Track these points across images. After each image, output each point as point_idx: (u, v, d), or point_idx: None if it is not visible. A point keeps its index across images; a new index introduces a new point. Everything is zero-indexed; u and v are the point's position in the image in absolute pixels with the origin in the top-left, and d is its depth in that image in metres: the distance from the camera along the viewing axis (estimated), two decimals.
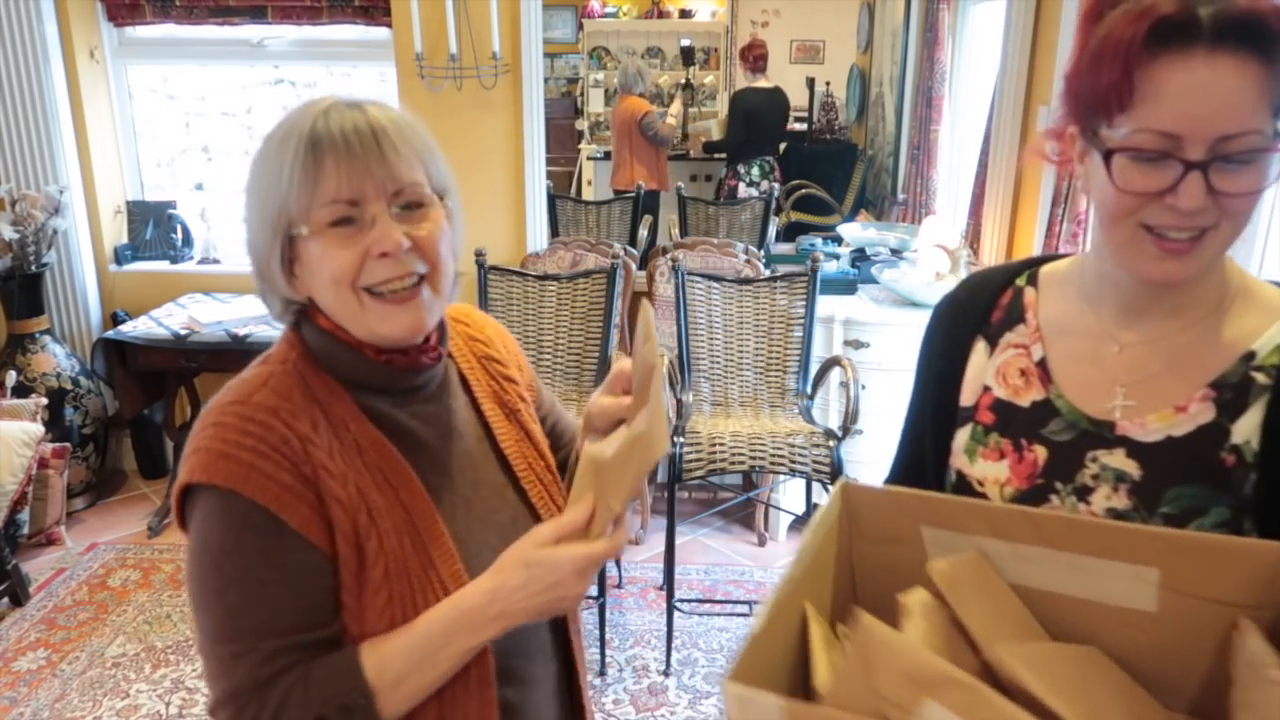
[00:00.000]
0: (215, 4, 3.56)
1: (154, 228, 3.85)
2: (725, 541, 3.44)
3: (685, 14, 7.34)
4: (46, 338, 3.55)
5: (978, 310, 1.02)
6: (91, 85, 3.64)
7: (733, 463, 2.71)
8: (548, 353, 3.09)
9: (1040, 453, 0.94)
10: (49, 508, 3.30)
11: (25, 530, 3.21)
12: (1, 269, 3.39)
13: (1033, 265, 1.03)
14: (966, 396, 1.00)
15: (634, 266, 3.53)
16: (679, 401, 2.89)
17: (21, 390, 3.36)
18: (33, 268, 3.46)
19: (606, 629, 2.79)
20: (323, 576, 0.90)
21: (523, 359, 1.18)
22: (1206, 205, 0.78)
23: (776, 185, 5.24)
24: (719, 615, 3.00)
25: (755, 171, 5.36)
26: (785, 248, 4.27)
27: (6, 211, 3.43)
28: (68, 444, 3.39)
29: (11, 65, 3.44)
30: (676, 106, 6.08)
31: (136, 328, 3.38)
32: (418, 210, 0.92)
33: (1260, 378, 0.84)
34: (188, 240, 3.88)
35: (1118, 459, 0.89)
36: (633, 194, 4.53)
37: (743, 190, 5.29)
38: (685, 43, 7.12)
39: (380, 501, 0.92)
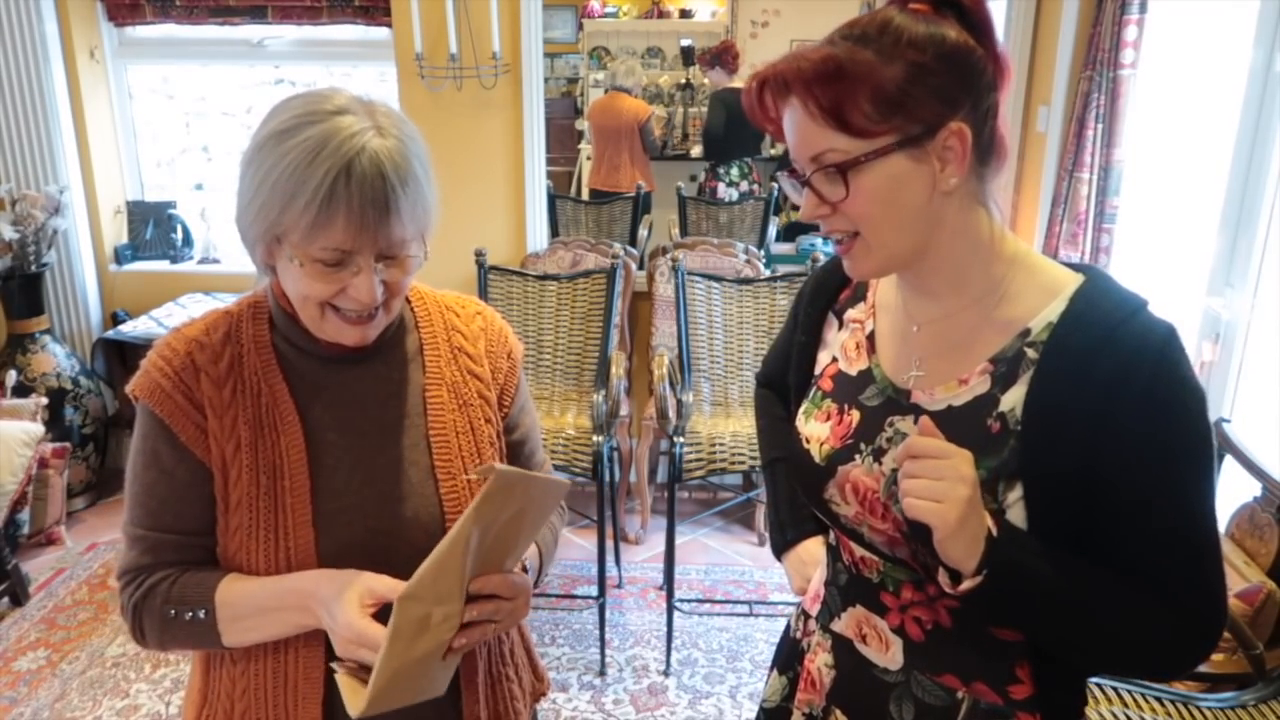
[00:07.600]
0: (215, 4, 3.56)
1: (154, 228, 3.85)
2: (725, 541, 3.44)
3: (685, 14, 7.33)
4: (46, 338, 3.55)
5: (830, 290, 1.15)
6: (91, 85, 3.64)
7: (733, 463, 2.71)
8: (548, 352, 3.09)
9: (855, 416, 1.04)
10: (49, 507, 3.30)
11: (25, 530, 3.20)
12: (1, 269, 3.39)
13: None
14: (818, 366, 1.14)
15: (634, 266, 3.53)
16: (679, 401, 2.89)
17: (21, 390, 3.35)
18: (33, 268, 3.46)
19: (606, 629, 2.79)
20: (201, 487, 1.05)
21: (509, 366, 1.20)
22: (825, 213, 0.94)
23: (757, 186, 5.23)
24: (719, 615, 3.00)
25: (735, 172, 5.35)
26: (785, 248, 4.28)
27: (6, 211, 3.43)
28: (68, 444, 3.39)
29: (11, 65, 3.44)
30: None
31: (136, 328, 3.38)
32: (399, 259, 1.01)
33: (1031, 353, 0.92)
34: (188, 240, 3.89)
35: (908, 425, 0.99)
36: (632, 195, 4.53)
37: (722, 191, 5.28)
38: (685, 43, 7.11)
39: (251, 439, 1.05)
